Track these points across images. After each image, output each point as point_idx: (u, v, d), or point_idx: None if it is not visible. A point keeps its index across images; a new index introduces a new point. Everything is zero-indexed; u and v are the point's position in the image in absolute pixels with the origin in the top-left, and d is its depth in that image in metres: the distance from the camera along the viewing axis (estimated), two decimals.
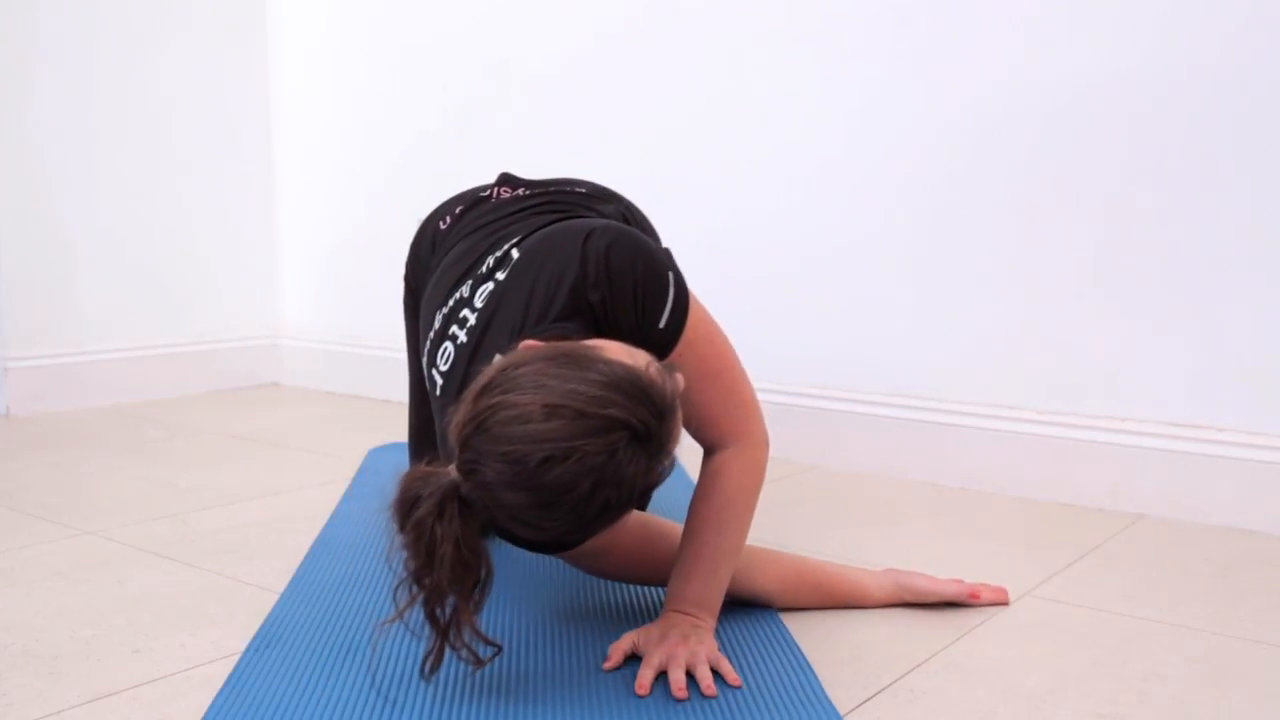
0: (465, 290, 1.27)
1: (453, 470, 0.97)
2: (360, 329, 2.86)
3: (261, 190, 3.07)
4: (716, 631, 1.18)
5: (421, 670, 1.00)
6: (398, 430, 1.73)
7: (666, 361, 1.07)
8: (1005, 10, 1.85)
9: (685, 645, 1.09)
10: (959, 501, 1.85)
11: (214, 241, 2.97)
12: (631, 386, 0.94)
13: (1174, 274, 1.73)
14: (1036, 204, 1.85)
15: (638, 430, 0.93)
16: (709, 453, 1.24)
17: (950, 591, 1.32)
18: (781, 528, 1.67)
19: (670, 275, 1.17)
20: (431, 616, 0.98)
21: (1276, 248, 1.65)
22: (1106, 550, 1.58)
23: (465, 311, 1.24)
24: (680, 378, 1.01)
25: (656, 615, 1.25)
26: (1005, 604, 1.34)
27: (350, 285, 2.90)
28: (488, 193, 1.52)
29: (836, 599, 1.30)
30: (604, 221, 1.20)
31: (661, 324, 1.16)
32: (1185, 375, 1.74)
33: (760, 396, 2.14)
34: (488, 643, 1.00)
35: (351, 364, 2.89)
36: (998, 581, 1.42)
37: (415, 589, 0.97)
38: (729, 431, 1.23)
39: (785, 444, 2.14)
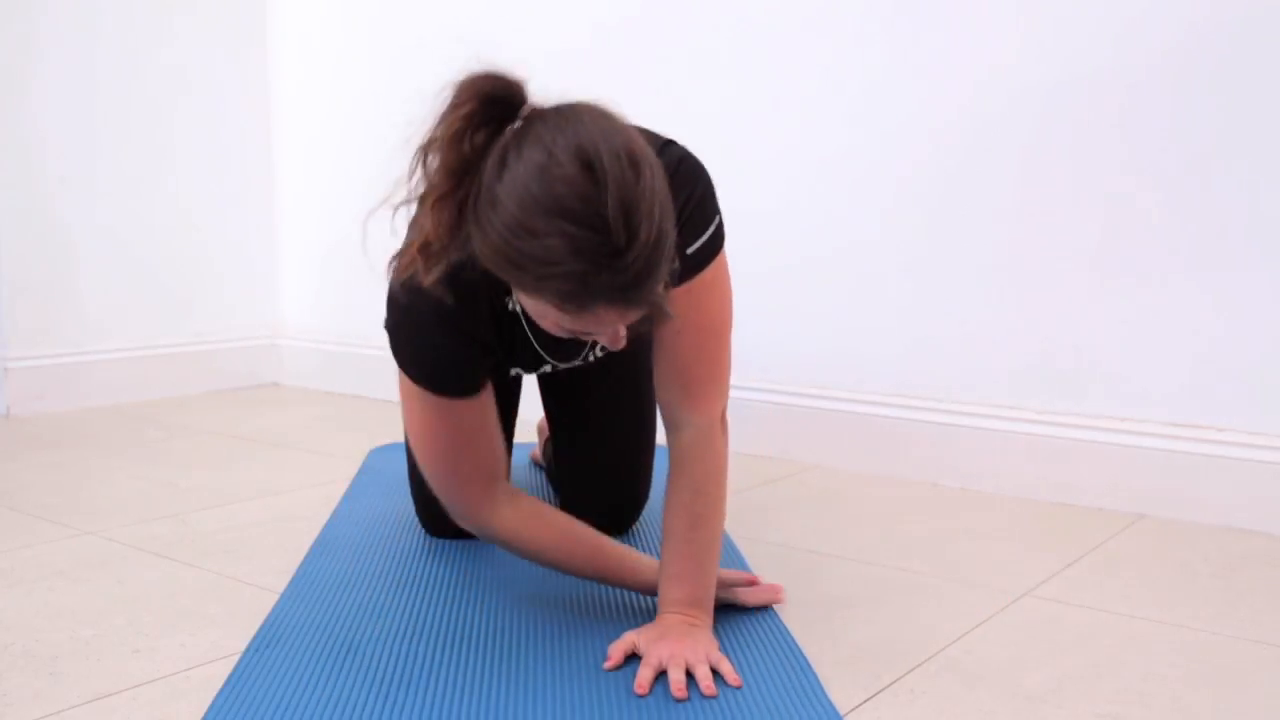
0: None
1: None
2: (360, 329, 2.86)
3: (261, 190, 3.07)
4: (715, 630, 1.18)
5: None
6: (398, 430, 1.73)
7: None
8: (1002, 2, 1.85)
9: (685, 644, 1.09)
10: (959, 501, 1.85)
11: (214, 241, 2.97)
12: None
13: (1174, 273, 1.73)
14: (1036, 203, 1.85)
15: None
16: (673, 429, 1.20)
17: (729, 577, 1.27)
18: (782, 528, 1.67)
19: (718, 215, 1.18)
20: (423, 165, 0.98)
21: (1277, 247, 1.65)
22: (1106, 550, 1.58)
23: None
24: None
25: (644, 605, 1.25)
26: (779, 601, 1.29)
27: (350, 285, 2.90)
28: None
29: (609, 570, 1.26)
30: None
31: (691, 250, 1.15)
32: (1185, 375, 1.74)
33: (760, 396, 2.17)
34: None
35: (351, 364, 2.89)
36: (997, 581, 1.42)
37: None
38: (697, 398, 1.19)
39: (785, 444, 2.15)
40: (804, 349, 2.13)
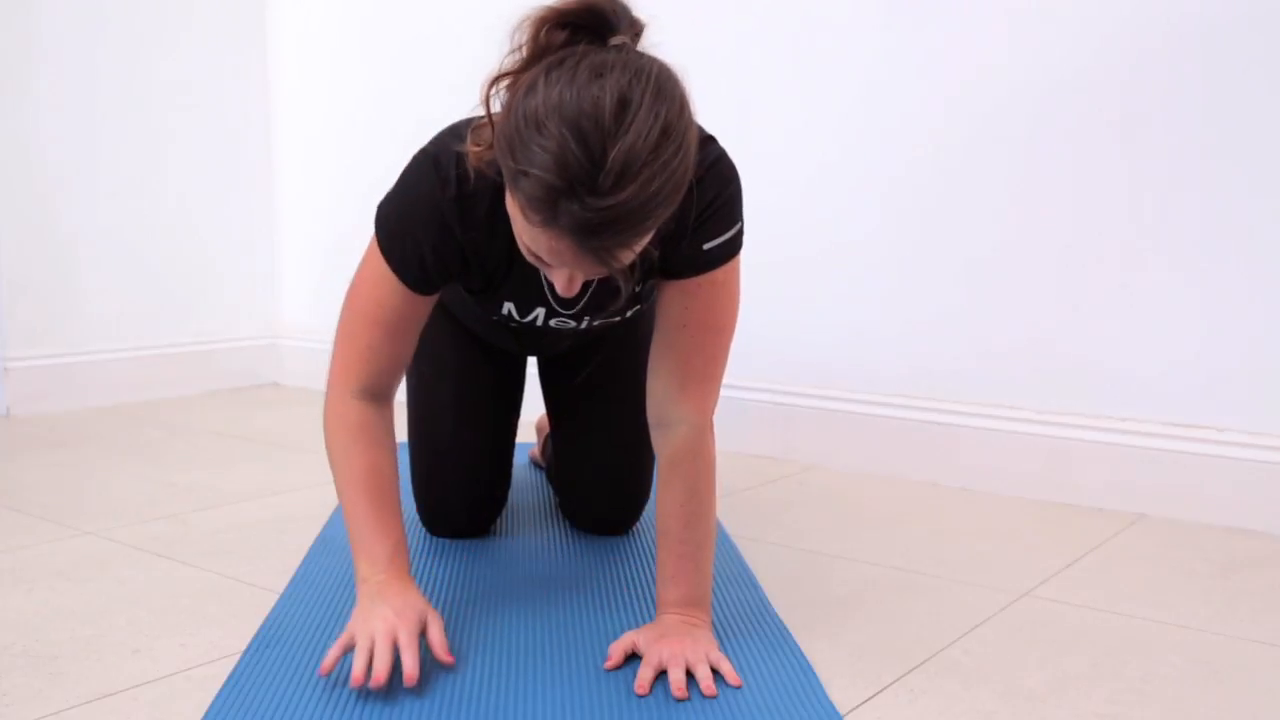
0: None
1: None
2: None
3: (261, 190, 3.07)
4: (715, 628, 1.18)
5: None
6: (398, 431, 1.75)
7: None
8: (997, 2, 1.85)
9: (685, 644, 1.09)
10: (959, 501, 1.85)
11: (214, 241, 2.97)
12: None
13: (1174, 273, 1.73)
14: (1037, 203, 1.85)
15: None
16: (663, 426, 1.20)
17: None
18: (782, 528, 1.67)
19: (742, 220, 1.18)
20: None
21: (1277, 247, 1.65)
22: (1106, 550, 1.58)
23: None
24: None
25: (644, 605, 1.25)
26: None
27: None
28: None
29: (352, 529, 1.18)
30: None
31: (709, 245, 1.15)
32: (1185, 375, 1.74)
33: (760, 396, 2.17)
34: None
35: None
36: (997, 581, 1.42)
37: None
38: (691, 395, 1.19)
39: (785, 444, 2.14)
40: (804, 349, 2.13)
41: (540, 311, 1.28)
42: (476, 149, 1.05)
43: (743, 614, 1.27)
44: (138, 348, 2.81)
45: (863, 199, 2.03)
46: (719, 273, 1.17)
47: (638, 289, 1.27)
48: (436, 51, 2.67)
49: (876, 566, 1.49)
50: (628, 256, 0.96)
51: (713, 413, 1.22)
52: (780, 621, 1.25)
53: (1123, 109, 1.75)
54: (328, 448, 1.19)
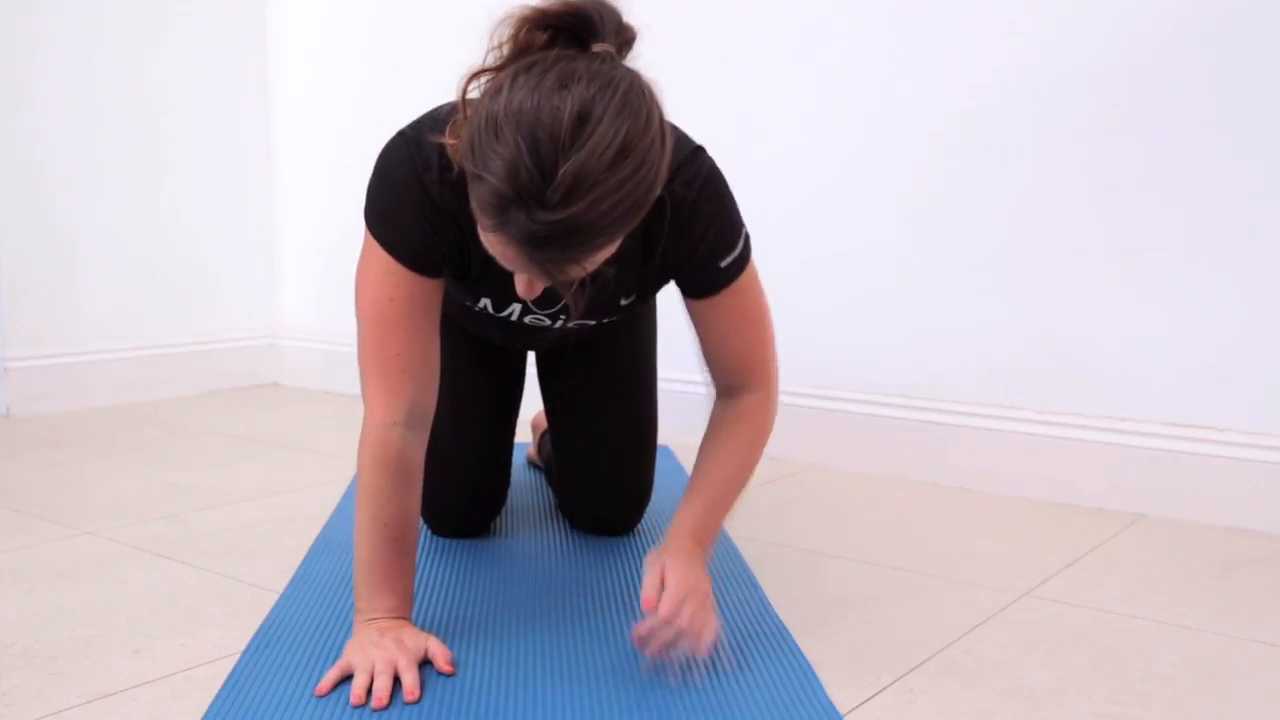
0: None
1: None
2: None
3: (261, 190, 3.07)
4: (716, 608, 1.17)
5: None
6: None
7: None
8: (1010, 1, 1.85)
9: (700, 618, 1.09)
10: (959, 501, 1.85)
11: (214, 241, 2.97)
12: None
13: (1174, 273, 1.73)
14: (1036, 203, 1.85)
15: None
16: (729, 393, 1.26)
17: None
18: (782, 528, 1.67)
19: (744, 226, 1.20)
20: None
21: (1277, 247, 1.65)
22: (1106, 550, 1.58)
23: None
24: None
25: (631, 601, 1.26)
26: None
27: (350, 285, 2.89)
28: None
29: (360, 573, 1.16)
30: None
31: (724, 263, 1.17)
32: (1185, 375, 1.74)
33: None
34: None
35: (351, 364, 2.86)
36: (997, 581, 1.42)
37: None
38: (757, 374, 1.25)
39: (785, 444, 2.14)
40: (804, 349, 2.13)
41: (516, 307, 1.28)
42: (453, 142, 1.04)
43: (743, 614, 1.27)
44: (137, 348, 2.81)
45: (863, 202, 2.03)
46: (741, 280, 1.20)
47: (624, 301, 1.27)
48: (437, 51, 2.66)
49: (876, 566, 1.49)
50: (577, 271, 0.96)
51: (774, 377, 1.28)
52: (780, 621, 1.25)
53: (1126, 111, 1.75)
54: (360, 485, 1.15)
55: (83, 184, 2.69)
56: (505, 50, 1.00)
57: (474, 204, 0.95)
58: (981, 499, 1.87)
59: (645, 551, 1.51)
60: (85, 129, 2.68)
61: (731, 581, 1.39)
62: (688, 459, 2.03)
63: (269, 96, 3.06)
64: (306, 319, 3.07)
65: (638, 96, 0.94)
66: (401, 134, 1.15)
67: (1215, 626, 1.27)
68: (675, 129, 1.13)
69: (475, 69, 1.01)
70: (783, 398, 2.16)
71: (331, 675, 1.06)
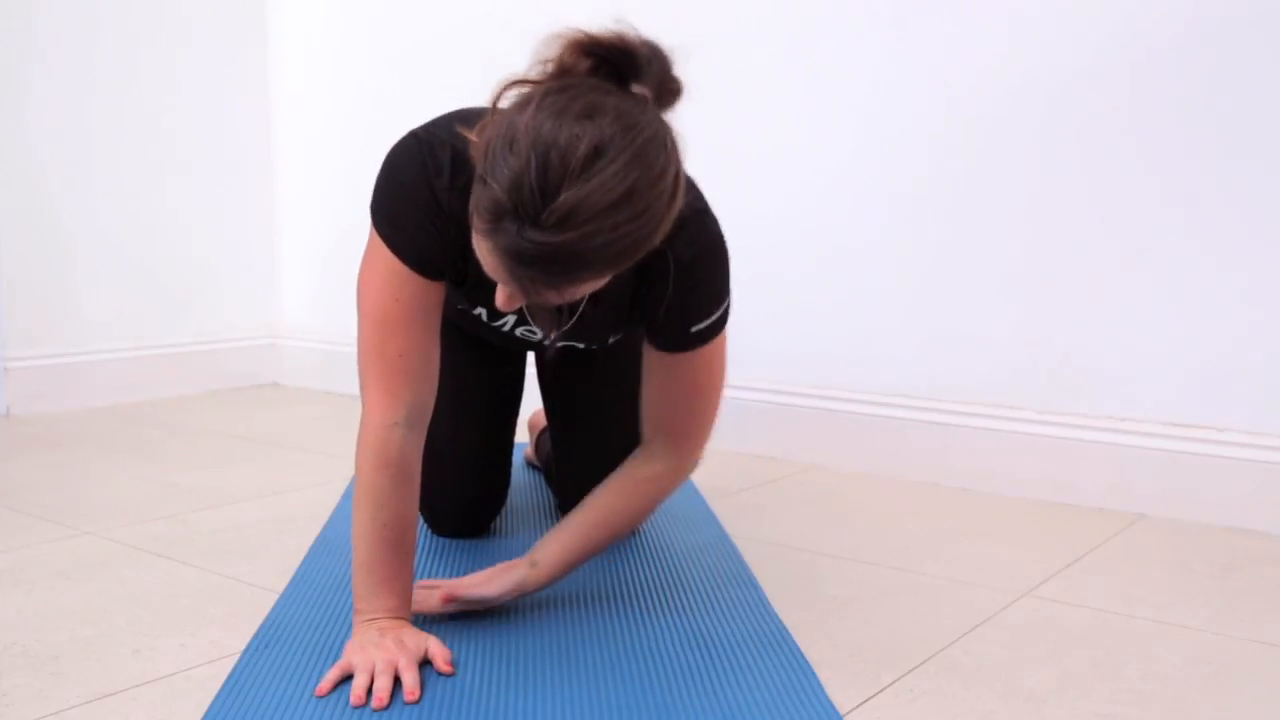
0: None
1: None
2: None
3: (261, 190, 3.07)
4: (714, 627, 1.17)
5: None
6: None
7: None
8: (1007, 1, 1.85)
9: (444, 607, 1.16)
10: (959, 501, 1.85)
11: (214, 241, 2.97)
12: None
13: (1175, 273, 1.73)
14: (1037, 203, 1.85)
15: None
16: (649, 447, 1.26)
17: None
18: (782, 528, 1.67)
19: (729, 297, 1.21)
20: None
21: (1277, 247, 1.65)
22: (1106, 550, 1.58)
23: None
24: None
25: (643, 605, 1.26)
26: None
27: (350, 285, 2.88)
28: None
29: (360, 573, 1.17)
30: None
31: (696, 329, 1.18)
32: (1186, 375, 1.74)
33: (761, 396, 2.17)
34: None
35: (351, 364, 2.86)
36: (997, 581, 1.42)
37: None
38: (685, 442, 1.26)
39: (785, 444, 2.14)
40: (804, 349, 2.13)
41: (510, 318, 1.29)
42: (475, 140, 1.05)
43: (743, 614, 1.27)
44: (137, 348, 2.81)
45: (864, 202, 2.03)
46: (706, 349, 1.20)
47: (611, 339, 1.29)
48: (437, 51, 2.67)
49: (876, 566, 1.49)
50: (553, 297, 0.96)
51: (698, 456, 1.28)
52: (780, 621, 1.25)
53: (1126, 110, 1.75)
54: (360, 486, 1.15)
55: (83, 184, 2.68)
56: (549, 67, 1.00)
57: (473, 205, 0.96)
58: (981, 499, 1.87)
59: (645, 552, 1.51)
60: (85, 129, 2.68)
61: (731, 581, 1.39)
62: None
63: (269, 96, 3.06)
64: (306, 319, 3.07)
65: (658, 148, 0.95)
66: (414, 135, 1.15)
67: (1215, 626, 1.27)
68: (693, 187, 1.14)
69: (514, 78, 1.00)
70: (783, 398, 2.18)
71: (332, 675, 1.06)
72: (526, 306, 1.05)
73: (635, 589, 1.36)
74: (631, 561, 1.47)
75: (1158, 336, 1.75)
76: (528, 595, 1.25)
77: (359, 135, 2.87)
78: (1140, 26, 1.72)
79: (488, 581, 1.22)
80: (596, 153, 0.90)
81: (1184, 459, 1.73)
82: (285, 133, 3.05)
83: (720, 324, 1.21)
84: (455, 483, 1.53)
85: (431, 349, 1.18)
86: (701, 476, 1.86)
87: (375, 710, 1.01)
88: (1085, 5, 1.77)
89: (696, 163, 2.28)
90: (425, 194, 1.12)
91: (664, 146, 0.96)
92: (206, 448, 2.25)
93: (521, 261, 0.92)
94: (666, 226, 0.99)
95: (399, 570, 1.14)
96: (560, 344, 1.33)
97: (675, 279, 1.15)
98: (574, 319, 1.22)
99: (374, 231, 1.17)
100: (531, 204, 0.90)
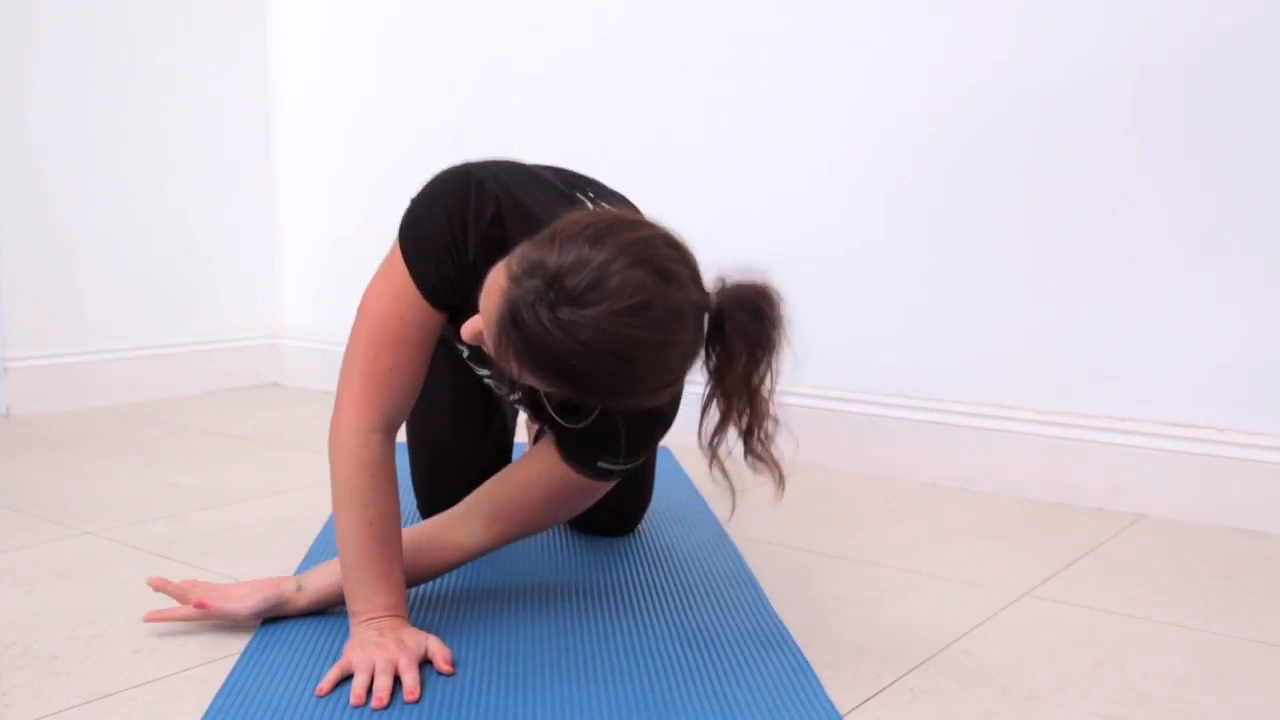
0: None
1: None
2: None
3: (261, 190, 3.07)
4: (714, 627, 1.17)
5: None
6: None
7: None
8: (1001, 1, 1.85)
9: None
10: (959, 501, 1.85)
11: (214, 242, 2.97)
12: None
13: (1174, 273, 1.73)
14: (1037, 204, 1.85)
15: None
16: (465, 515, 1.25)
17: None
18: (782, 528, 1.67)
19: (652, 455, 1.23)
20: None
21: (1277, 248, 1.65)
22: (1106, 550, 1.58)
23: None
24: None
25: (644, 605, 1.26)
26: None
27: (350, 285, 2.87)
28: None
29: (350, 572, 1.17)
30: None
31: (603, 464, 1.19)
32: (1185, 375, 1.74)
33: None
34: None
35: None
36: (997, 581, 1.42)
37: None
38: (491, 527, 1.24)
39: (785, 444, 2.14)
40: (804, 349, 2.12)
41: (486, 371, 1.31)
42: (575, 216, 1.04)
43: (742, 614, 1.27)
44: (137, 348, 2.81)
45: (864, 202, 2.03)
46: (590, 481, 1.20)
47: (566, 424, 1.26)
48: (437, 52, 2.67)
49: (876, 566, 1.49)
50: (512, 369, 0.98)
51: (491, 547, 1.26)
52: (780, 621, 1.25)
53: (1125, 110, 1.75)
54: (342, 487, 1.15)
55: (83, 184, 2.68)
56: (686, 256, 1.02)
57: (518, 244, 0.98)
58: (981, 499, 1.87)
59: (645, 552, 1.51)
60: (85, 129, 2.68)
61: (731, 581, 1.39)
62: (687, 459, 2.03)
63: (269, 96, 3.06)
64: (306, 319, 3.07)
65: (683, 354, 1.00)
66: (469, 171, 1.17)
67: (1215, 626, 1.27)
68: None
69: (622, 216, 1.02)
70: (783, 398, 2.17)
71: (332, 675, 1.06)
72: (490, 358, 1.07)
73: (635, 589, 1.36)
74: (631, 561, 1.47)
75: (1157, 337, 1.75)
76: (291, 614, 1.22)
77: (360, 135, 2.87)
78: (1141, 28, 1.72)
79: (243, 597, 1.20)
80: (640, 309, 0.93)
81: (1184, 459, 1.73)
82: (285, 133, 3.05)
83: (625, 472, 1.21)
84: (455, 482, 1.52)
85: (420, 370, 1.20)
86: (701, 476, 1.86)
87: (375, 710, 1.01)
88: (1086, 7, 1.77)
89: (693, 165, 2.29)
90: (458, 230, 1.14)
91: (687, 356, 1.00)
92: (206, 448, 2.25)
93: (510, 320, 0.95)
94: (644, 403, 1.02)
95: (390, 567, 1.14)
96: (515, 402, 1.34)
97: (626, 423, 1.16)
98: (525, 392, 1.23)
99: (398, 245, 1.18)
100: (561, 293, 0.93)
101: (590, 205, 1.23)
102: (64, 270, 2.67)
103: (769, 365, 1.05)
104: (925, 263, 1.97)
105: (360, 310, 1.21)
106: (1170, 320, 1.74)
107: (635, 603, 1.31)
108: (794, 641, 1.19)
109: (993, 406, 1.92)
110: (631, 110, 2.31)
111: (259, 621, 1.22)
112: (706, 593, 1.34)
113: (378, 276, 1.20)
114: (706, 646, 1.17)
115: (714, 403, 1.04)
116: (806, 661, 1.13)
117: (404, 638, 1.09)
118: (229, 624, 1.22)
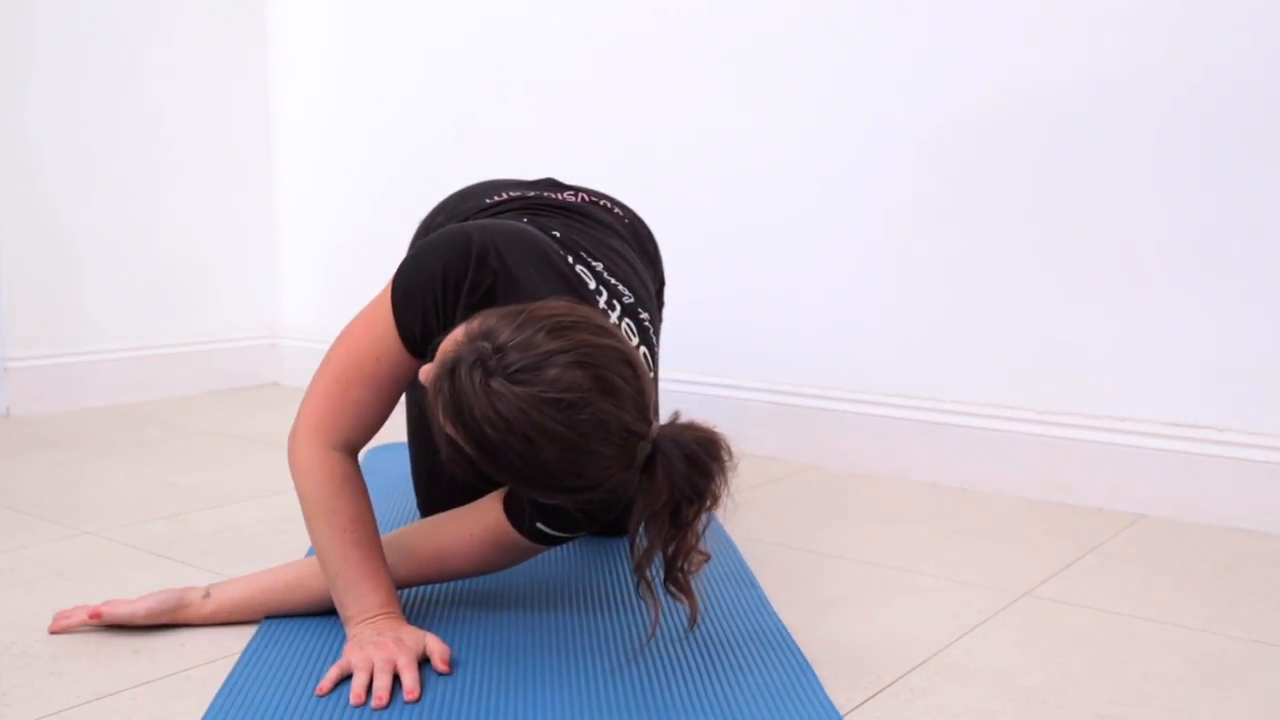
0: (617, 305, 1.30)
1: None
2: None
3: (261, 191, 3.07)
4: (715, 628, 1.17)
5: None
6: (397, 431, 1.73)
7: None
8: (1007, 7, 1.85)
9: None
10: (959, 501, 1.85)
11: (214, 242, 2.97)
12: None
13: (1174, 274, 1.73)
14: (1038, 204, 1.85)
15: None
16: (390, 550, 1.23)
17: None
18: (782, 528, 1.67)
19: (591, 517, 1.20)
20: None
21: (1277, 249, 1.65)
22: (1106, 550, 1.58)
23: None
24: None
25: (630, 604, 1.26)
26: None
27: (351, 285, 2.89)
28: (563, 197, 1.53)
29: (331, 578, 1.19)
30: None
31: (543, 526, 1.19)
32: (1185, 375, 1.74)
33: (760, 396, 2.17)
34: None
35: None
36: (997, 581, 1.42)
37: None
38: (411, 559, 1.23)
39: (785, 444, 2.14)
40: (804, 349, 2.13)
41: None
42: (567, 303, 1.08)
43: (742, 614, 1.27)
44: (138, 348, 2.81)
45: (866, 203, 2.03)
46: (520, 535, 1.20)
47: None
48: (437, 52, 2.67)
49: (876, 566, 1.49)
50: (439, 420, 1.01)
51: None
52: (780, 621, 1.25)
53: (1124, 111, 1.75)
54: (308, 498, 1.17)
55: (83, 184, 2.68)
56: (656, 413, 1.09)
57: (486, 306, 1.06)
58: (981, 499, 1.87)
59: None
60: (86, 130, 2.68)
61: (731, 581, 1.39)
62: None
63: (269, 96, 3.06)
64: (306, 319, 3.07)
65: (603, 476, 1.01)
66: (478, 238, 1.19)
67: (1215, 626, 1.27)
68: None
69: (604, 315, 1.12)
70: (783, 398, 2.18)
71: (331, 675, 1.06)
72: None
73: (636, 589, 1.36)
74: (631, 562, 1.47)
75: (1157, 336, 1.75)
76: (194, 622, 1.23)
77: (360, 135, 2.87)
78: (1141, 29, 1.72)
79: (140, 600, 1.22)
80: (565, 406, 0.96)
81: (1184, 459, 1.73)
82: (285, 133, 3.05)
83: (561, 540, 1.21)
84: (455, 484, 1.52)
85: (386, 410, 1.23)
86: None
87: (375, 709, 1.01)
88: (1086, 10, 1.77)
89: (694, 167, 2.28)
90: (450, 294, 1.17)
91: (605, 470, 1.00)
92: (206, 448, 2.25)
93: (451, 374, 0.99)
94: (551, 498, 1.05)
95: (375, 568, 1.15)
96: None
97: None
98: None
99: (390, 289, 1.20)
100: (503, 365, 0.97)
101: (597, 295, 1.26)
102: (64, 270, 2.67)
103: (696, 511, 1.03)
104: (925, 263, 1.97)
105: (342, 336, 1.24)
106: (1171, 320, 1.74)
107: (635, 603, 1.31)
108: (794, 641, 1.19)
109: (992, 406, 1.92)
110: (633, 113, 2.31)
111: (159, 623, 1.22)
112: (706, 592, 1.34)
113: (365, 311, 1.23)
114: (706, 646, 1.17)
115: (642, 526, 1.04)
116: (806, 661, 1.13)
117: (402, 636, 1.09)
118: (127, 624, 1.21)
